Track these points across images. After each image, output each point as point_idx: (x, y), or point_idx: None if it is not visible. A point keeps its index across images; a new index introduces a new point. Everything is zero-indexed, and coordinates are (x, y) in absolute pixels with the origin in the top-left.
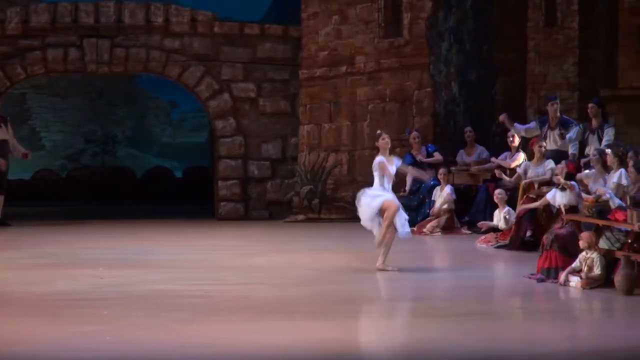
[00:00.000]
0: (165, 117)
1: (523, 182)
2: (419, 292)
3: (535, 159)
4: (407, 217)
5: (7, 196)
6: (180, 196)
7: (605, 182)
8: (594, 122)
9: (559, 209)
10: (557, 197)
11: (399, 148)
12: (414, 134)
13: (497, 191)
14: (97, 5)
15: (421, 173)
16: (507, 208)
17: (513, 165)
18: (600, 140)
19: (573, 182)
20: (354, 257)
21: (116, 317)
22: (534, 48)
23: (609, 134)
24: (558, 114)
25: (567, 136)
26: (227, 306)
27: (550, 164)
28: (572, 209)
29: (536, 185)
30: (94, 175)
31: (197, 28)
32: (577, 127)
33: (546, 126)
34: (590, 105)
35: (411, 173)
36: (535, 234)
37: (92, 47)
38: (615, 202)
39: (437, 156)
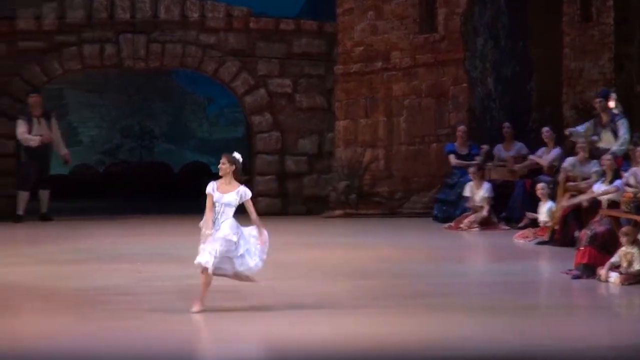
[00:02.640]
0: (201, 112)
1: (562, 177)
2: (455, 287)
3: (580, 158)
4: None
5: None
6: None
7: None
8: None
9: (598, 204)
10: (601, 191)
11: (436, 143)
12: (461, 127)
13: (539, 185)
14: (133, 1)
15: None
16: (549, 202)
17: (548, 162)
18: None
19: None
20: (392, 252)
21: (154, 312)
22: (569, 44)
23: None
24: (610, 110)
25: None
26: (264, 301)
27: (595, 165)
28: (613, 204)
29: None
30: (131, 171)
31: (233, 23)
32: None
33: (597, 124)
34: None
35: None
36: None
37: (128, 43)
38: None
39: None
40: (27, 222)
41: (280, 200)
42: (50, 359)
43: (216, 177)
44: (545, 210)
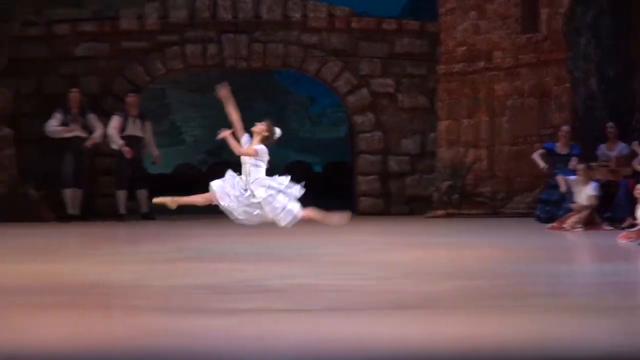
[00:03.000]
0: (304, 112)
1: None
2: (559, 288)
3: None
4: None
5: (149, 190)
6: (320, 191)
7: None
8: None
9: None
10: None
11: (538, 144)
12: (565, 127)
13: (638, 186)
14: (235, 1)
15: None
16: None
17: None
18: None
19: None
20: (495, 252)
21: (257, 311)
22: None
23: None
24: None
25: None
26: (366, 300)
27: None
28: None
29: None
30: (234, 170)
31: (335, 23)
32: None
33: None
34: None
35: None
36: None
37: (230, 43)
38: None
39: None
40: (129, 221)
41: (383, 200)
42: (149, 358)
43: (318, 176)
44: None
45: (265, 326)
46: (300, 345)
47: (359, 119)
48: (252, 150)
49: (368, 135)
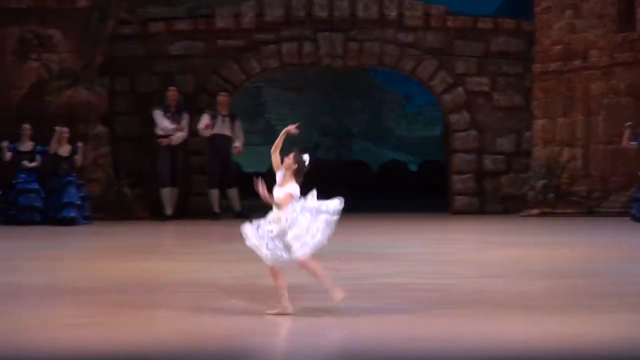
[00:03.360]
0: (399, 110)
1: None
2: None
3: None
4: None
5: (241, 189)
6: (416, 189)
7: None
8: None
9: None
10: None
11: (634, 142)
12: None
13: None
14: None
15: None
16: None
17: None
18: None
19: None
20: (591, 251)
21: (347, 309)
22: None
23: None
24: None
25: None
26: (460, 299)
27: None
28: None
29: None
30: (329, 169)
31: (430, 22)
32: None
33: None
34: None
35: None
36: None
37: (326, 41)
38: None
39: None
40: (223, 220)
41: (478, 199)
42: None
43: (414, 175)
44: None
45: (353, 325)
46: (385, 344)
47: (454, 117)
48: (286, 200)
49: (463, 134)
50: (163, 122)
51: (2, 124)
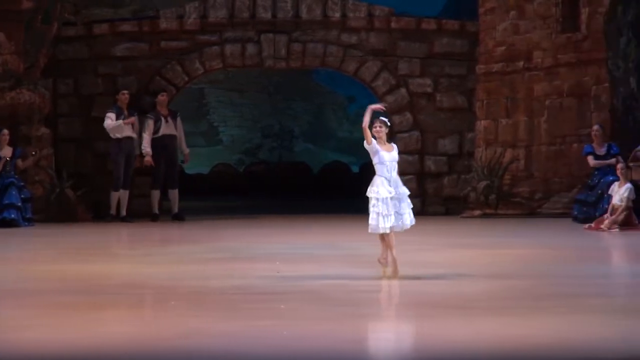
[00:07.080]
0: (342, 112)
1: None
2: (596, 288)
3: None
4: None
5: (184, 190)
6: (358, 191)
7: None
8: None
9: None
10: None
11: (577, 144)
12: (595, 127)
13: None
14: (274, 1)
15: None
16: None
17: None
18: None
19: None
20: (532, 252)
21: (292, 312)
22: None
23: None
24: None
25: None
26: (402, 301)
27: None
28: None
29: None
30: (271, 170)
31: (374, 23)
32: None
33: None
34: None
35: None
36: None
37: (269, 43)
38: None
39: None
40: (161, 221)
41: (420, 200)
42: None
43: (356, 176)
44: None
45: (299, 327)
46: (331, 346)
47: (397, 118)
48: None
49: (406, 135)
50: (115, 122)
51: None
